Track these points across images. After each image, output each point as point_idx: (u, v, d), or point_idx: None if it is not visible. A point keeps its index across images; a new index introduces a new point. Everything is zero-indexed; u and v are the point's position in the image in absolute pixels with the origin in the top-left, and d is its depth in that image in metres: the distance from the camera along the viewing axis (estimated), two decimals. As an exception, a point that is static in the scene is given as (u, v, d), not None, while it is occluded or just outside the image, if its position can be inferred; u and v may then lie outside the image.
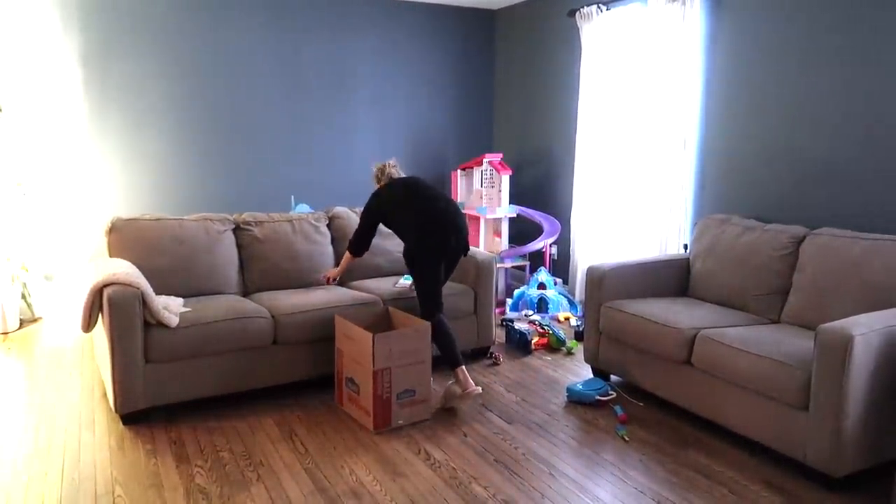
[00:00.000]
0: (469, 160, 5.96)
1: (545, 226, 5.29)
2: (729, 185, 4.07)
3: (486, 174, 5.39)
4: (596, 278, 3.60)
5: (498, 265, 5.04)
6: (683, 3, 4.15)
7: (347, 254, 3.72)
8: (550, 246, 5.59)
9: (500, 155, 5.39)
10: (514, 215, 5.45)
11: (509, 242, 5.98)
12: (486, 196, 5.38)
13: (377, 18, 5.74)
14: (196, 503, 2.44)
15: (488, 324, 3.98)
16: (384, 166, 3.72)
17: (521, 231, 5.96)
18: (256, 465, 2.73)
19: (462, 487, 2.56)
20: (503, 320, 4.52)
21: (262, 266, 3.80)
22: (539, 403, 3.38)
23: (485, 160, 5.33)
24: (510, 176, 5.99)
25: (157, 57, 4.97)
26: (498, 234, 5.49)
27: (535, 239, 5.39)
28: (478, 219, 5.47)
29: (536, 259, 5.71)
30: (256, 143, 5.39)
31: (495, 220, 5.50)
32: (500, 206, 5.29)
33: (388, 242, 4.20)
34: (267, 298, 3.55)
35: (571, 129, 5.37)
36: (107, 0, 4.77)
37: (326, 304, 3.47)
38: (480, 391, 3.23)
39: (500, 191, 5.29)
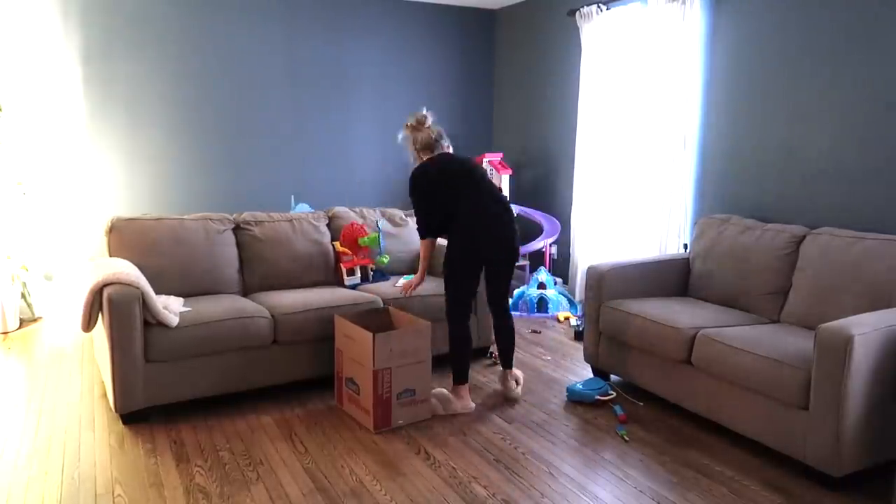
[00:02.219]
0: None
1: (545, 225, 5.29)
2: (729, 185, 4.07)
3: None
4: (596, 278, 3.60)
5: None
6: (683, 2, 4.15)
7: (423, 242, 3.29)
8: (550, 246, 5.59)
9: (500, 155, 5.40)
10: (514, 215, 5.44)
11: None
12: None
13: (377, 18, 5.74)
14: (196, 502, 2.44)
15: (488, 324, 3.98)
16: (421, 126, 3.26)
17: (521, 231, 5.96)
18: (256, 464, 2.73)
19: (462, 487, 2.56)
20: None
21: (262, 266, 3.80)
22: (539, 403, 3.38)
23: (485, 160, 5.33)
24: (510, 176, 5.98)
25: (157, 56, 4.98)
26: (498, 233, 5.48)
27: (535, 239, 5.39)
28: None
29: (536, 259, 5.71)
30: (257, 142, 5.39)
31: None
32: (500, 205, 5.28)
33: (389, 242, 4.20)
34: (267, 298, 3.55)
35: (571, 129, 5.37)
36: None
37: (326, 304, 3.46)
38: (472, 409, 3.27)
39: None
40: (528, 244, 5.26)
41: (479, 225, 3.18)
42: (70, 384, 3.58)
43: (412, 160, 3.39)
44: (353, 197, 5.83)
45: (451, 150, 3.37)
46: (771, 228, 3.47)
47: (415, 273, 4.25)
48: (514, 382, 3.43)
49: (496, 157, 5.33)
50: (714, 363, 2.92)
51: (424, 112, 3.33)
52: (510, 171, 5.29)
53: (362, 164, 5.84)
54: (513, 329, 3.40)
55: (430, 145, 3.30)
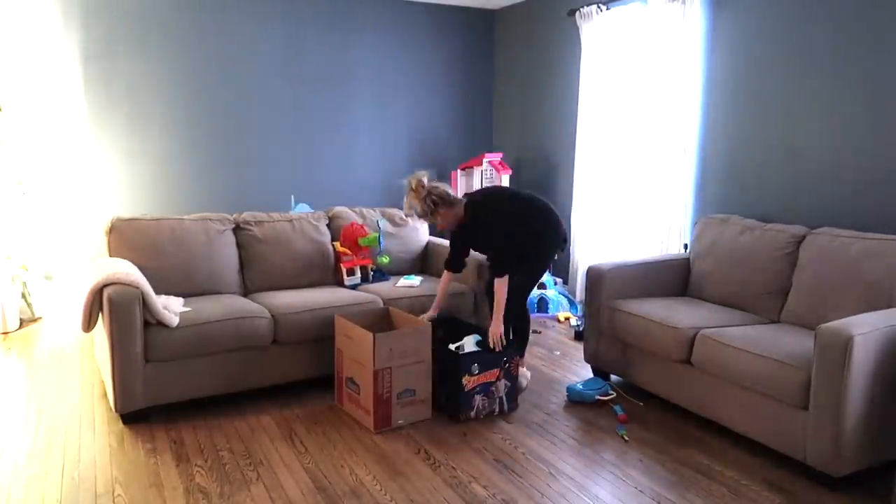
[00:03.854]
0: (469, 160, 5.96)
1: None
2: (729, 185, 4.07)
3: (486, 174, 5.39)
4: (596, 278, 3.60)
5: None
6: (683, 2, 4.15)
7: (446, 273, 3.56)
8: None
9: (500, 155, 5.40)
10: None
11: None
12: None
13: (378, 18, 5.74)
14: (196, 502, 2.44)
15: (488, 324, 3.97)
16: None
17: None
18: (256, 464, 2.73)
19: (462, 487, 2.56)
20: None
21: (262, 266, 3.80)
22: (539, 403, 3.38)
23: (485, 160, 5.33)
24: (510, 176, 5.98)
25: (158, 56, 4.97)
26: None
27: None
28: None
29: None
30: (257, 142, 5.39)
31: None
32: (500, 205, 5.28)
33: (389, 242, 4.20)
34: (267, 298, 3.55)
35: (571, 128, 5.37)
36: None
37: (326, 304, 3.46)
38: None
39: (500, 191, 5.29)
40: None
41: None
42: (70, 384, 3.58)
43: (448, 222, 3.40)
44: (353, 197, 5.83)
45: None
46: (771, 228, 3.47)
47: (415, 273, 4.25)
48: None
49: (496, 156, 5.33)
50: (714, 363, 2.92)
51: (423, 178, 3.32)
52: (510, 171, 5.29)
53: (362, 164, 5.84)
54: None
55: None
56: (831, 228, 3.27)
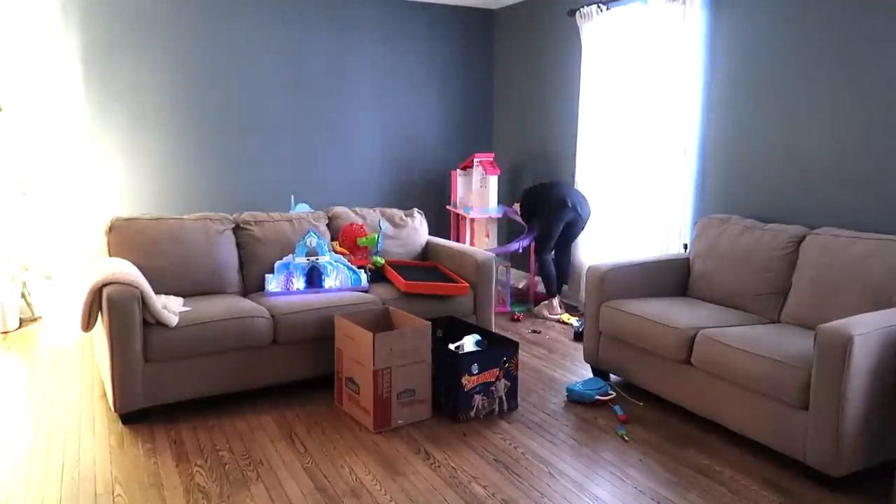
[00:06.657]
0: (468, 160, 5.96)
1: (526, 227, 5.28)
2: (729, 185, 4.07)
3: (479, 174, 5.38)
4: (596, 278, 3.60)
5: (497, 265, 5.03)
6: (683, 2, 4.15)
7: None
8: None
9: (492, 155, 5.39)
10: (500, 216, 5.43)
11: (509, 242, 5.97)
12: (479, 196, 5.38)
13: (377, 18, 5.74)
14: (196, 502, 2.44)
15: (488, 323, 3.98)
16: None
17: (521, 232, 5.95)
18: (256, 464, 2.73)
19: (462, 487, 2.56)
20: None
21: (262, 266, 3.80)
22: (539, 403, 3.38)
23: (475, 160, 5.32)
24: (511, 175, 5.99)
25: (158, 56, 4.97)
26: (488, 233, 5.51)
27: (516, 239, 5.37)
28: (472, 219, 5.47)
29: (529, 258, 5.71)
30: (257, 142, 5.39)
31: (488, 219, 5.50)
32: (486, 205, 5.28)
33: (388, 243, 4.19)
34: (266, 298, 3.54)
35: (571, 129, 5.37)
36: None
37: (326, 304, 3.46)
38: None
39: (488, 191, 5.29)
40: (508, 244, 5.23)
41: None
42: (70, 384, 3.58)
43: None
44: (353, 197, 5.83)
45: None
46: (771, 228, 3.47)
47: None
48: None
49: (487, 157, 5.33)
50: (714, 363, 2.92)
51: None
52: (498, 172, 5.27)
53: (362, 163, 5.84)
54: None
55: None
56: (831, 228, 3.27)
